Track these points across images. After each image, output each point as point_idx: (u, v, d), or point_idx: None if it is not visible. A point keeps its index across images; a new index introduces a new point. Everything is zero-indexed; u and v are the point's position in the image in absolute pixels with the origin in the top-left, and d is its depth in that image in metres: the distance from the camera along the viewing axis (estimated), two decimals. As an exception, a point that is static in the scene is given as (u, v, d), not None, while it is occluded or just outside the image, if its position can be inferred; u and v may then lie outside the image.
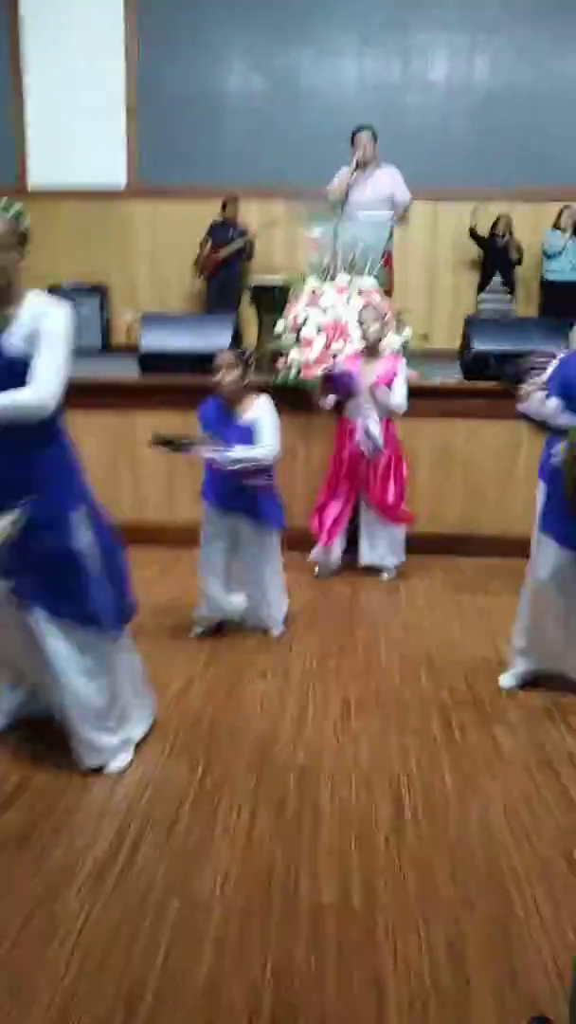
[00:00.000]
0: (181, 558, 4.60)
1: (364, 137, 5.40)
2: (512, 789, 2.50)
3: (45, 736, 2.67)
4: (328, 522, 4.32)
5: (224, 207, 7.58)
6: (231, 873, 2.08)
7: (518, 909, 1.98)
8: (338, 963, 1.80)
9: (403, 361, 4.28)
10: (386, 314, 4.33)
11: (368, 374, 4.17)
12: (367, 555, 4.38)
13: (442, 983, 1.75)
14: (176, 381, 4.72)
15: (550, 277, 7.48)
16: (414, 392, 4.67)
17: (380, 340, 4.20)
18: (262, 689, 3.10)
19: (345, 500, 4.33)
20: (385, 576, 4.37)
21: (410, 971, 1.78)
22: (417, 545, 4.50)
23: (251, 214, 7.77)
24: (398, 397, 4.16)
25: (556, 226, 7.42)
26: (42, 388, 2.23)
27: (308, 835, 2.24)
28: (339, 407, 4.27)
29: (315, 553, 4.36)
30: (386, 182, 5.45)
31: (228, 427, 3.29)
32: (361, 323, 4.18)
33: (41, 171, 8.11)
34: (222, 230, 7.59)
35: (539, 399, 2.80)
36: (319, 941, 1.86)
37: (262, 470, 3.32)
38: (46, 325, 2.25)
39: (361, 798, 2.42)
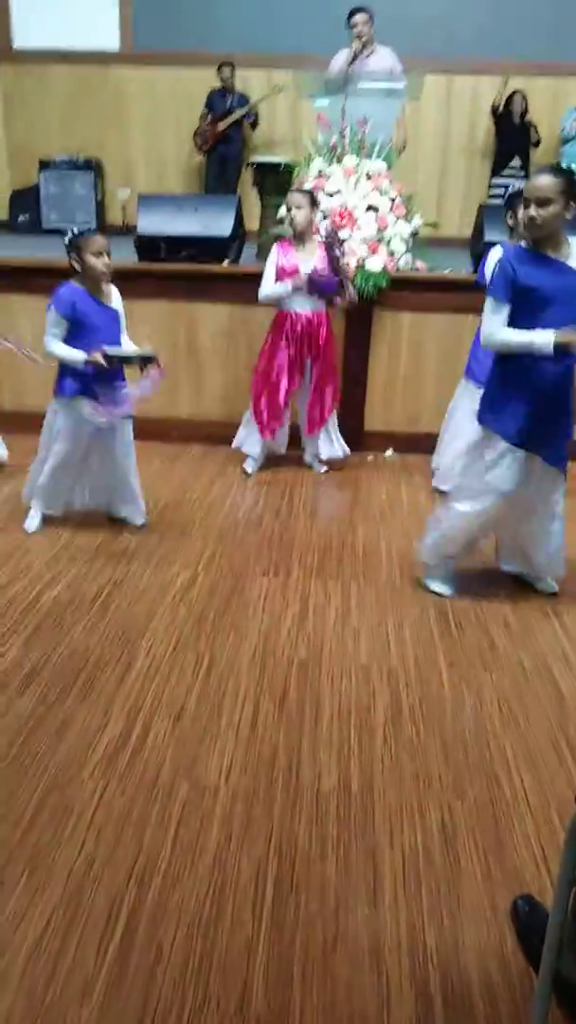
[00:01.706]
0: (182, 454, 4.60)
1: (359, 19, 5.17)
2: (505, 682, 2.59)
3: (63, 622, 2.74)
4: (265, 415, 4.24)
5: (220, 71, 7.09)
6: (236, 759, 2.19)
7: (506, 793, 2.09)
8: (337, 841, 1.92)
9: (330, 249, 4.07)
10: (316, 200, 4.09)
11: (307, 260, 4.01)
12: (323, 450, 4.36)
13: (434, 859, 1.87)
14: (175, 268, 4.58)
15: (565, 162, 7.12)
16: (423, 285, 4.55)
17: (308, 227, 3.99)
18: (263, 585, 3.16)
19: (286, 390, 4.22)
20: (322, 470, 4.38)
21: (404, 848, 1.90)
22: (421, 444, 4.49)
23: (253, 83, 7.30)
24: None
25: None
26: None
27: (309, 725, 2.34)
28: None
29: (250, 445, 4.32)
30: (381, 64, 5.19)
31: (104, 314, 3.29)
32: (288, 208, 3.97)
33: (27, 32, 7.54)
34: (220, 99, 7.15)
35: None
36: (320, 822, 1.98)
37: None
38: None
39: (360, 689, 2.52)
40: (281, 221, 4.67)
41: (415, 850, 1.90)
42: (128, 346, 3.38)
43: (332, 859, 1.87)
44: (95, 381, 3.24)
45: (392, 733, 2.32)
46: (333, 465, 4.44)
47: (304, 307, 4.08)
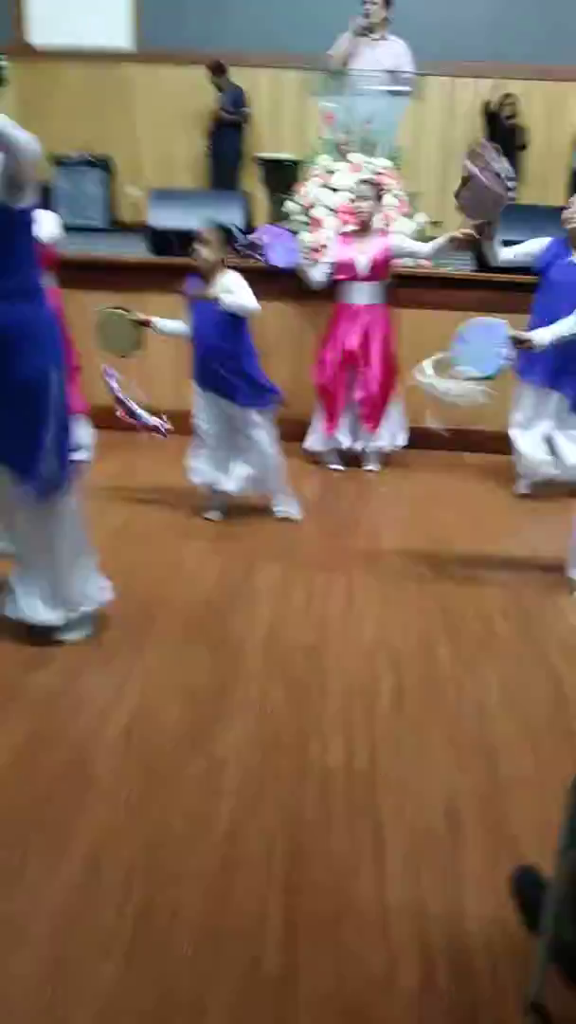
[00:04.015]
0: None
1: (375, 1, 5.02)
2: (506, 667, 2.67)
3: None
4: (332, 409, 4.33)
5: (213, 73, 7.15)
6: (246, 737, 2.25)
7: (506, 771, 2.16)
8: (344, 815, 1.99)
9: (392, 236, 4.21)
10: (382, 192, 4.22)
11: (364, 251, 4.10)
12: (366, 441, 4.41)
13: (437, 832, 1.94)
14: (187, 261, 4.62)
15: None
16: (426, 281, 4.62)
17: (371, 217, 4.12)
18: (271, 574, 3.23)
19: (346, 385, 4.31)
20: (372, 467, 4.43)
21: (408, 822, 1.97)
22: (425, 440, 4.55)
23: (261, 80, 7.37)
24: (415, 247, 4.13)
25: None
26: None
27: (315, 705, 2.41)
28: (332, 289, 4.22)
29: (317, 441, 4.39)
30: (390, 54, 5.08)
31: (197, 301, 3.37)
32: (354, 199, 4.08)
33: (42, 30, 7.59)
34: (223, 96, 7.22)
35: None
36: (326, 796, 2.05)
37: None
38: None
39: (364, 672, 2.59)
40: (287, 216, 4.75)
41: (418, 824, 1.97)
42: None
43: (338, 833, 1.94)
44: None
45: (395, 715, 2.39)
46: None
47: (361, 299, 4.16)
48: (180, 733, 2.26)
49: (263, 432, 3.54)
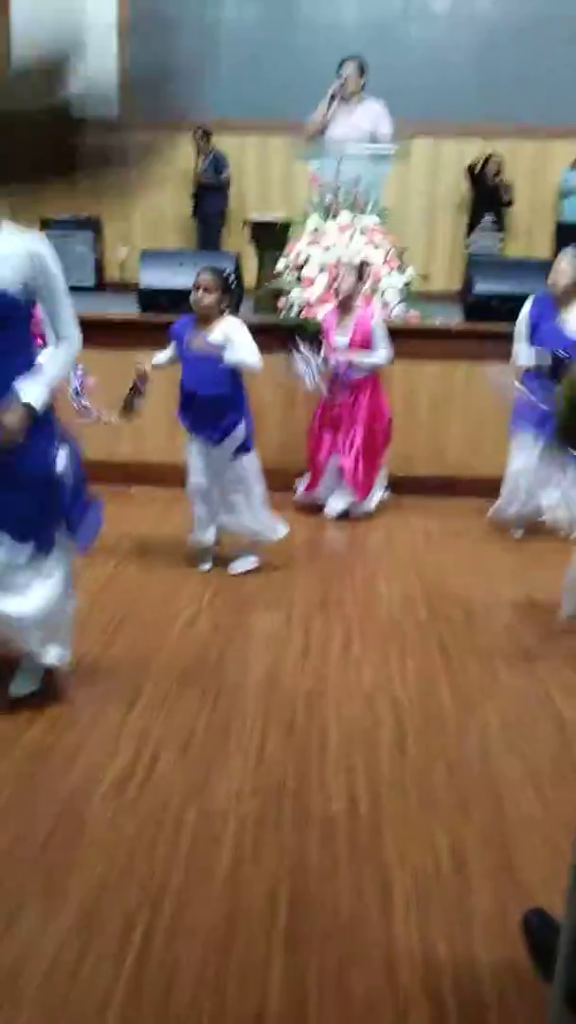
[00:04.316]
0: (183, 497, 4.67)
1: (349, 67, 5.18)
2: (506, 709, 2.63)
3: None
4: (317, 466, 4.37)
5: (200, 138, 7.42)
6: (245, 786, 2.21)
7: (511, 812, 2.12)
8: (348, 863, 1.94)
9: (375, 311, 4.28)
10: (366, 266, 4.31)
11: (344, 329, 4.18)
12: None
13: (444, 877, 1.90)
14: (173, 318, 4.73)
15: (565, 219, 7.38)
16: (416, 334, 4.72)
17: (354, 294, 4.17)
18: (267, 620, 3.21)
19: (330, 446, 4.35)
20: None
21: (414, 868, 1.92)
22: (416, 486, 4.59)
23: (248, 146, 7.65)
24: (380, 352, 4.19)
25: (574, 166, 7.33)
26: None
27: (316, 752, 2.37)
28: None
29: (300, 496, 4.42)
30: (368, 117, 5.22)
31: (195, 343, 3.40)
32: (336, 276, 4.16)
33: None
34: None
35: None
36: (330, 845, 2.00)
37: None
38: (46, 265, 2.25)
39: (365, 718, 2.56)
40: (278, 276, 4.87)
41: (425, 869, 1.92)
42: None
43: (343, 879, 1.89)
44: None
45: (398, 758, 2.35)
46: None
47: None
48: (176, 783, 2.21)
49: (252, 477, 3.55)
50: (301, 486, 4.44)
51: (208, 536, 3.62)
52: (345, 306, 4.20)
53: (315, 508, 4.44)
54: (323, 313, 4.37)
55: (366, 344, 4.18)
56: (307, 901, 1.82)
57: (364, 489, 4.34)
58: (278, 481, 4.66)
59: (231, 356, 3.34)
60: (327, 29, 7.60)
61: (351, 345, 4.17)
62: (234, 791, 2.18)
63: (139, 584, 3.52)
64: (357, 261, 4.29)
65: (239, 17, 7.78)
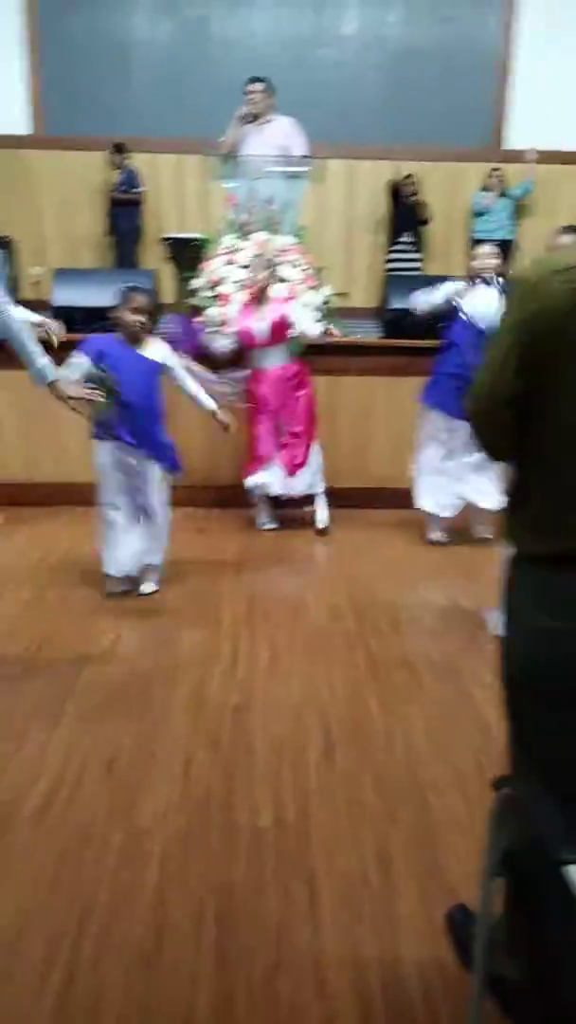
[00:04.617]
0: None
1: (254, 88, 5.23)
2: (431, 714, 2.68)
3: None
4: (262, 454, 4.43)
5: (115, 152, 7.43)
6: (171, 803, 2.19)
7: (437, 815, 2.16)
8: (275, 873, 1.94)
9: (292, 304, 4.41)
10: (274, 262, 4.44)
11: (261, 319, 4.30)
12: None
13: (371, 881, 1.91)
14: (86, 336, 4.69)
15: (479, 235, 7.62)
16: (336, 349, 4.80)
17: (267, 287, 4.35)
18: (194, 636, 3.20)
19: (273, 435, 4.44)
20: (320, 523, 4.51)
21: (342, 874, 1.94)
22: (341, 499, 4.65)
23: (163, 164, 7.67)
24: (308, 326, 4.36)
25: (485, 187, 7.59)
26: None
27: (243, 765, 2.37)
28: (238, 359, 4.43)
29: (258, 477, 4.44)
30: (279, 134, 5.25)
31: (134, 362, 3.39)
32: (250, 271, 4.28)
33: None
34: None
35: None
36: (257, 856, 2.00)
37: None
38: None
39: (292, 729, 2.56)
40: (194, 293, 4.88)
41: (352, 875, 1.94)
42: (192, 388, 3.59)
43: (270, 890, 1.89)
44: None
45: (325, 768, 2.37)
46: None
47: (269, 362, 4.37)
48: (101, 804, 2.18)
49: (162, 495, 3.55)
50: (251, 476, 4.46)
51: (129, 568, 3.57)
52: (259, 298, 4.32)
53: (262, 513, 4.48)
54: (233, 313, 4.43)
55: (285, 324, 4.31)
56: (234, 915, 1.81)
57: (297, 465, 4.43)
58: (205, 498, 4.69)
59: (189, 386, 3.55)
60: (240, 48, 7.71)
61: (272, 328, 4.29)
62: (160, 809, 2.16)
63: (62, 603, 3.46)
64: (268, 256, 4.45)
65: (151, 36, 7.81)
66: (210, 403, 3.59)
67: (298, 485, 4.45)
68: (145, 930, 1.76)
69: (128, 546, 3.51)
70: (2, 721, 2.55)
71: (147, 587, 3.61)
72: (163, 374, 3.51)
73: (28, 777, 2.27)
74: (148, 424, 3.44)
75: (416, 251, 7.64)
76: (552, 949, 1.29)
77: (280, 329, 4.31)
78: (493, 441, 1.41)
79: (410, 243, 7.64)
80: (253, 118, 5.24)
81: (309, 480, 4.49)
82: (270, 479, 4.43)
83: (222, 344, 4.41)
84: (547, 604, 1.33)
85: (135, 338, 3.42)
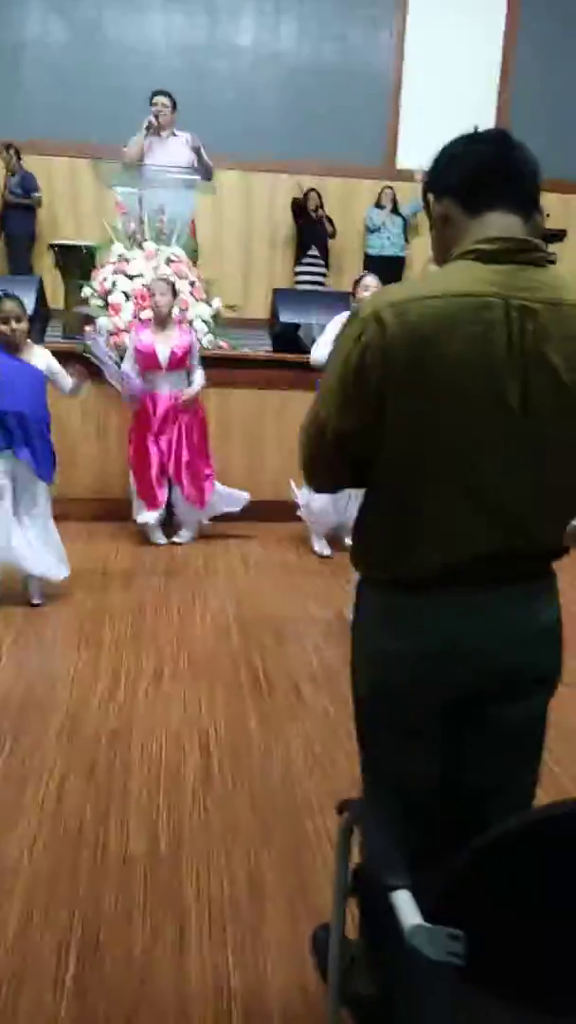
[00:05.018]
0: None
1: (159, 102, 5.29)
2: (312, 730, 2.71)
3: None
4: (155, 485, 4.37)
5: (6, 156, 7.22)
6: (39, 838, 2.13)
7: (311, 835, 2.18)
8: (144, 904, 1.92)
9: (193, 333, 4.43)
10: (175, 284, 4.42)
11: (164, 343, 4.25)
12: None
13: (241, 906, 1.92)
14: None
15: (371, 252, 7.77)
16: (226, 362, 4.81)
17: (170, 311, 4.30)
18: (75, 658, 3.13)
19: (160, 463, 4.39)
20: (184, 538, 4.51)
21: (211, 902, 1.93)
22: (233, 512, 4.65)
23: (56, 167, 7.52)
24: (199, 373, 4.40)
25: (378, 204, 7.73)
26: None
27: (118, 793, 2.33)
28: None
29: (147, 517, 4.39)
30: (183, 149, 5.36)
31: (17, 369, 3.36)
32: (152, 294, 4.24)
33: None
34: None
35: None
36: (127, 888, 1.97)
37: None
38: None
39: (170, 753, 2.54)
40: (86, 300, 4.80)
41: (221, 900, 1.94)
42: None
43: (138, 921, 1.86)
44: None
45: (201, 792, 2.36)
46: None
47: (165, 388, 4.31)
48: (-34, 840, 2.10)
49: (48, 505, 3.52)
50: (142, 511, 4.38)
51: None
52: (163, 322, 4.25)
53: (154, 530, 4.44)
54: (130, 337, 4.37)
55: (186, 359, 4.30)
56: (98, 948, 1.78)
57: (200, 499, 4.40)
58: (101, 513, 4.60)
59: (70, 386, 3.51)
60: (135, 54, 7.63)
61: (171, 359, 4.25)
62: (27, 845, 2.10)
63: None
64: (171, 278, 4.42)
65: (45, 39, 7.64)
66: (70, 382, 3.52)
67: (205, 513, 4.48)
68: (5, 971, 1.70)
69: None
70: None
71: (36, 599, 3.57)
72: (49, 381, 3.46)
73: None
74: (28, 428, 3.38)
75: (323, 266, 7.74)
76: (392, 968, 1.32)
77: (182, 359, 4.29)
78: (317, 473, 1.43)
79: (316, 257, 7.73)
80: (157, 130, 5.24)
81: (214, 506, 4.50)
82: (154, 519, 4.40)
83: (128, 371, 4.30)
84: (391, 627, 1.37)
85: (11, 346, 3.35)
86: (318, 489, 1.51)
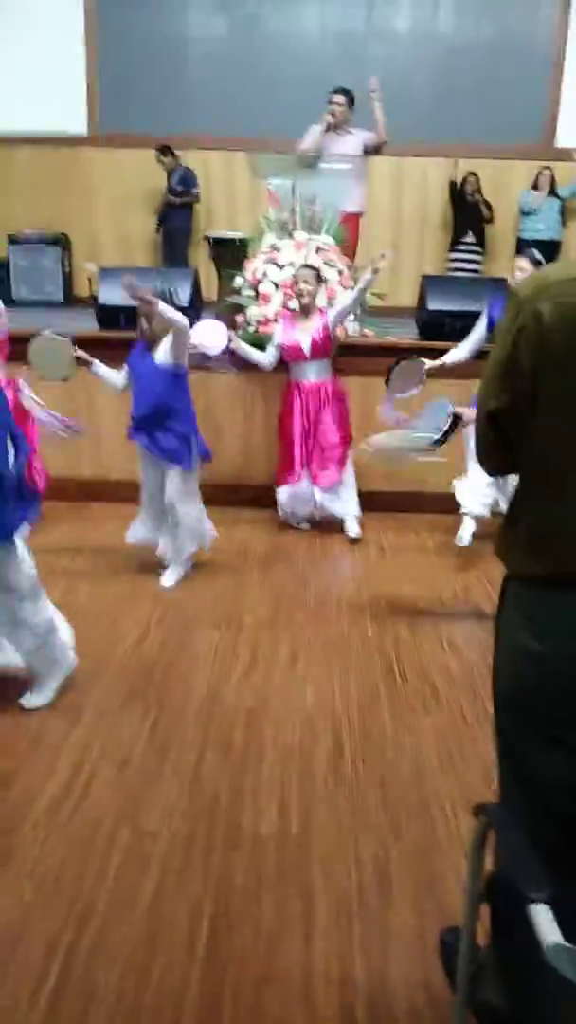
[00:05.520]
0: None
1: (338, 99, 5.38)
2: (447, 725, 2.67)
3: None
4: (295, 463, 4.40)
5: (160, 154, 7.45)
6: (178, 806, 2.23)
7: (441, 834, 2.15)
8: (274, 883, 1.96)
9: (327, 312, 4.36)
10: (323, 274, 4.41)
11: (305, 333, 4.27)
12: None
13: (368, 897, 1.92)
14: (131, 335, 4.74)
15: (525, 236, 7.48)
16: (370, 350, 4.77)
17: (314, 300, 4.29)
18: (215, 637, 3.23)
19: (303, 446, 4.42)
20: (351, 532, 4.46)
21: (339, 887, 1.95)
22: (373, 502, 4.62)
23: (214, 163, 7.70)
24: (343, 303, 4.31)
25: (534, 187, 7.44)
26: None
27: (252, 771, 2.39)
28: (282, 365, 4.40)
29: (285, 494, 4.43)
30: (357, 148, 5.44)
31: (145, 366, 3.59)
32: (296, 282, 4.24)
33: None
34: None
35: None
36: (257, 865, 2.02)
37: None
38: None
39: (303, 737, 2.58)
40: (238, 291, 4.91)
41: (349, 889, 1.95)
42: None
43: (267, 899, 1.91)
44: None
45: (332, 778, 2.38)
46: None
47: (309, 377, 4.35)
48: (111, 805, 2.23)
49: (182, 494, 3.64)
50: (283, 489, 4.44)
51: (144, 538, 3.79)
52: (307, 310, 4.29)
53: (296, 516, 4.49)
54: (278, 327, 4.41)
55: (326, 346, 4.29)
56: (228, 921, 1.84)
57: (330, 480, 4.37)
58: (240, 499, 4.71)
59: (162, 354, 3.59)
60: (290, 46, 7.68)
61: (313, 347, 4.26)
62: (166, 812, 2.20)
63: (91, 601, 3.53)
64: (317, 265, 4.44)
65: (204, 34, 7.84)
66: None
67: (333, 506, 4.41)
68: (140, 933, 1.80)
69: (146, 522, 3.75)
70: (24, 717, 2.61)
71: (166, 579, 3.72)
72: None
73: (42, 778, 2.33)
74: (156, 423, 3.59)
75: (479, 252, 7.53)
76: (524, 981, 1.28)
77: (322, 345, 4.29)
78: (482, 455, 1.43)
79: (472, 243, 7.53)
80: (335, 127, 5.29)
81: (344, 500, 4.43)
82: (299, 494, 4.41)
83: (268, 359, 4.35)
84: (533, 625, 1.33)
85: (150, 341, 3.60)
86: (488, 472, 1.50)
